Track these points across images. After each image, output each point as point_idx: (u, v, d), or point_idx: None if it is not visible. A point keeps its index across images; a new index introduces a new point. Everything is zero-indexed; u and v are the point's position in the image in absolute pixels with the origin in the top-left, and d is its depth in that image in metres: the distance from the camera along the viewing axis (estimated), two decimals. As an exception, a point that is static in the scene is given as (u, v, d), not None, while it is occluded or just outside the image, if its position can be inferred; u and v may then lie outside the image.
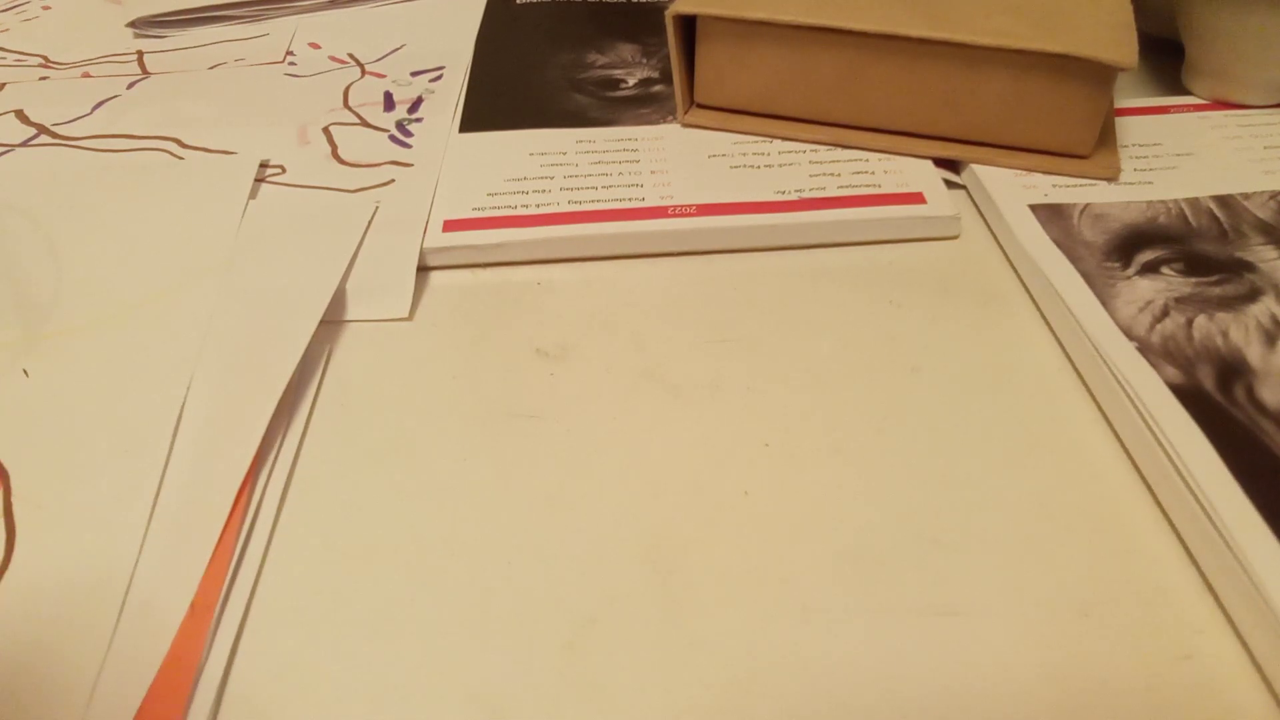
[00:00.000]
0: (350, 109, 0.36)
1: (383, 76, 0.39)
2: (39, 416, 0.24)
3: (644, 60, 0.39)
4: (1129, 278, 0.26)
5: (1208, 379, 0.23)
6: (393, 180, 0.32)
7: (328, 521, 0.22)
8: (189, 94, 0.38)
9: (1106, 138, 0.32)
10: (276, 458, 0.23)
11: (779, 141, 0.33)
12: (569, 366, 0.25)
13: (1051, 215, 0.29)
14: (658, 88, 0.37)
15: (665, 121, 0.34)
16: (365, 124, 0.35)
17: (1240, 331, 0.24)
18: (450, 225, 0.29)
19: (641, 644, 0.19)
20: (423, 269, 0.29)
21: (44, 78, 0.40)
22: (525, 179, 0.31)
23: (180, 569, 0.20)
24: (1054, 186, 0.30)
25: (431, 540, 0.21)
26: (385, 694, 0.18)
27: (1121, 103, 0.35)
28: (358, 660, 0.19)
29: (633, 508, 0.22)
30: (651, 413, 0.24)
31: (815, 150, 0.32)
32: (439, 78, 0.38)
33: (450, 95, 0.37)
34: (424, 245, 0.29)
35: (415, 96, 0.37)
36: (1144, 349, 0.24)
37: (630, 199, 0.30)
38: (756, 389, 0.25)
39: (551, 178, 0.31)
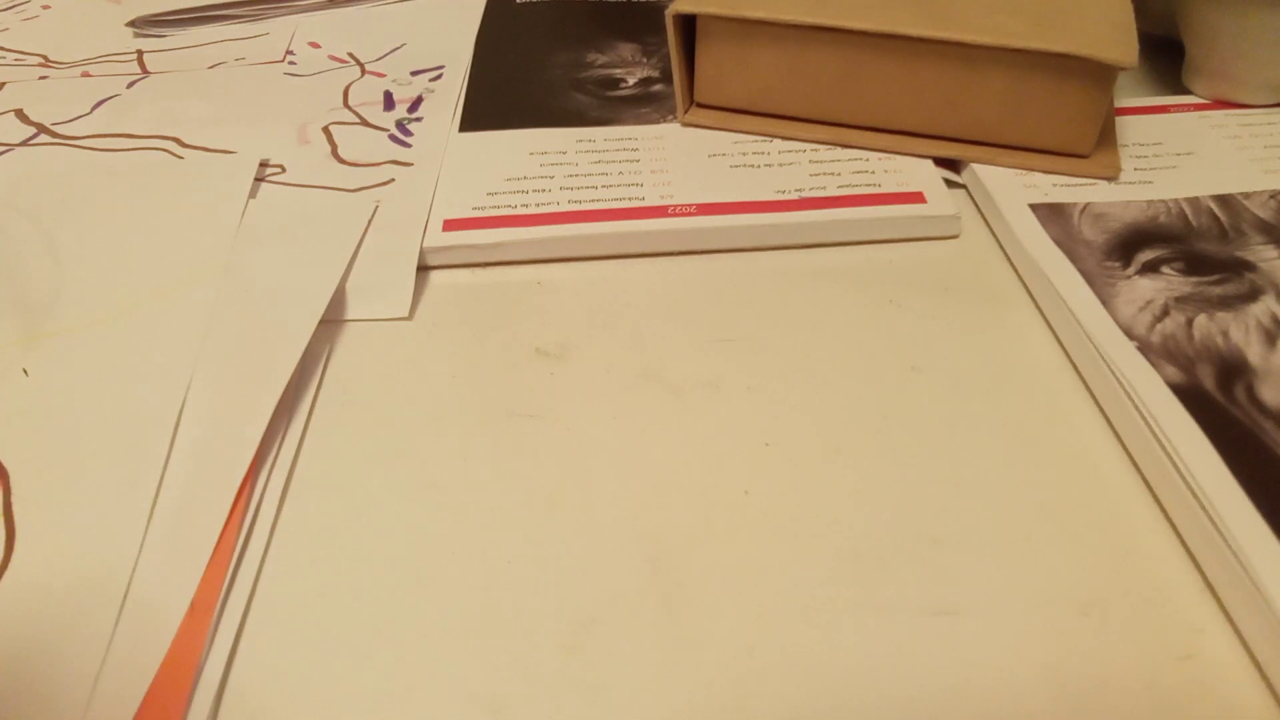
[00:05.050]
0: (350, 108, 0.36)
1: (383, 76, 0.39)
2: (39, 416, 0.24)
3: (644, 59, 0.39)
4: (1129, 277, 0.26)
5: (1208, 378, 0.23)
6: (393, 180, 0.32)
7: (328, 521, 0.22)
8: (189, 93, 0.38)
9: (1107, 137, 0.32)
10: (276, 457, 0.23)
11: (779, 141, 0.33)
12: (569, 366, 0.25)
13: (1052, 215, 0.29)
14: (658, 87, 0.37)
15: (665, 121, 0.34)
16: (365, 123, 0.35)
17: (1240, 331, 0.24)
18: (450, 225, 0.29)
19: (641, 644, 0.19)
20: (423, 268, 0.29)
21: (44, 77, 0.40)
22: (525, 178, 0.31)
23: (180, 569, 0.20)
24: (1054, 186, 0.30)
25: (431, 540, 0.21)
26: (385, 694, 0.18)
27: (1121, 102, 0.35)
28: (358, 660, 0.19)
29: (633, 507, 0.22)
30: (651, 413, 0.24)
31: (815, 150, 0.32)
32: (439, 77, 0.38)
33: (450, 94, 0.37)
34: (424, 245, 0.29)
35: (415, 96, 0.37)
36: (1144, 348, 0.24)
37: (630, 198, 0.30)
38: (756, 389, 0.25)
39: (551, 177, 0.31)
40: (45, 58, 0.41)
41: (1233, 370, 0.23)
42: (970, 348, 0.26)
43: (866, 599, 0.20)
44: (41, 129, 0.35)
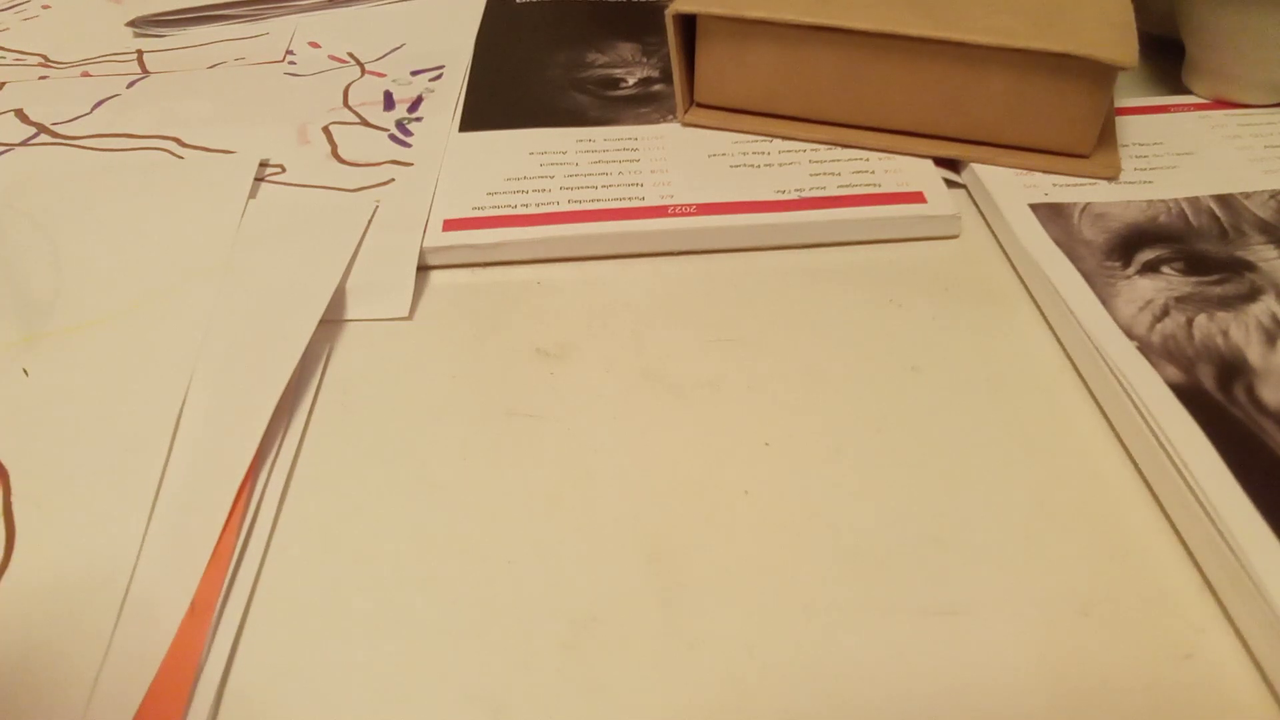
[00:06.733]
0: (350, 108, 0.36)
1: (383, 76, 0.39)
2: (39, 416, 0.24)
3: (644, 59, 0.39)
4: (1129, 277, 0.26)
5: (1208, 378, 0.23)
6: (392, 179, 0.32)
7: (328, 521, 0.22)
8: (189, 93, 0.38)
9: (1107, 137, 0.32)
10: (276, 457, 0.23)
11: (779, 141, 0.33)
12: (569, 366, 0.25)
13: (1052, 214, 0.29)
14: (658, 87, 0.37)
15: (665, 121, 0.34)
16: (365, 123, 0.35)
17: (1240, 331, 0.24)
18: (450, 224, 0.29)
19: (641, 643, 0.19)
20: (423, 268, 0.29)
21: (44, 77, 0.40)
22: (525, 178, 0.31)
23: (180, 569, 0.20)
24: (1054, 186, 0.30)
25: (431, 540, 0.21)
26: (385, 694, 0.18)
27: (1122, 102, 0.35)
28: (358, 660, 0.19)
29: (633, 507, 0.22)
30: (651, 412, 0.24)
31: (815, 149, 0.32)
32: (439, 77, 0.38)
33: (450, 94, 0.37)
34: (424, 244, 0.29)
35: (415, 96, 0.37)
36: (1144, 348, 0.24)
37: (630, 198, 0.30)
38: (756, 389, 0.25)
39: (551, 177, 0.31)
40: (45, 58, 0.41)
41: (1233, 370, 0.23)
42: (970, 348, 0.26)
43: (867, 599, 0.20)
44: (41, 129, 0.35)
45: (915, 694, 0.18)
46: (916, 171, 0.31)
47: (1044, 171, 0.31)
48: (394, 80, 0.38)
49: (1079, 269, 0.27)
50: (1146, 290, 0.26)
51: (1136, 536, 0.21)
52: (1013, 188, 0.30)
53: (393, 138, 0.34)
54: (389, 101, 0.37)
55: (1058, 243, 0.28)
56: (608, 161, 0.32)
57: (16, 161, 0.33)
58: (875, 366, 0.25)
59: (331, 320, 0.27)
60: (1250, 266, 0.27)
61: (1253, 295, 0.26)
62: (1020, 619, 0.19)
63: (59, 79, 0.39)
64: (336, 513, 0.22)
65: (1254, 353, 0.24)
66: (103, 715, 0.18)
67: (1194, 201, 0.29)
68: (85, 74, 0.40)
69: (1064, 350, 0.26)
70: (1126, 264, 0.27)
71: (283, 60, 0.40)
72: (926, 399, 0.24)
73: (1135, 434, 0.22)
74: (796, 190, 0.30)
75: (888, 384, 0.25)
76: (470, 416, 0.24)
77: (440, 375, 0.25)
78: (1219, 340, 0.24)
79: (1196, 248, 0.28)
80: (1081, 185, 0.30)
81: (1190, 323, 0.25)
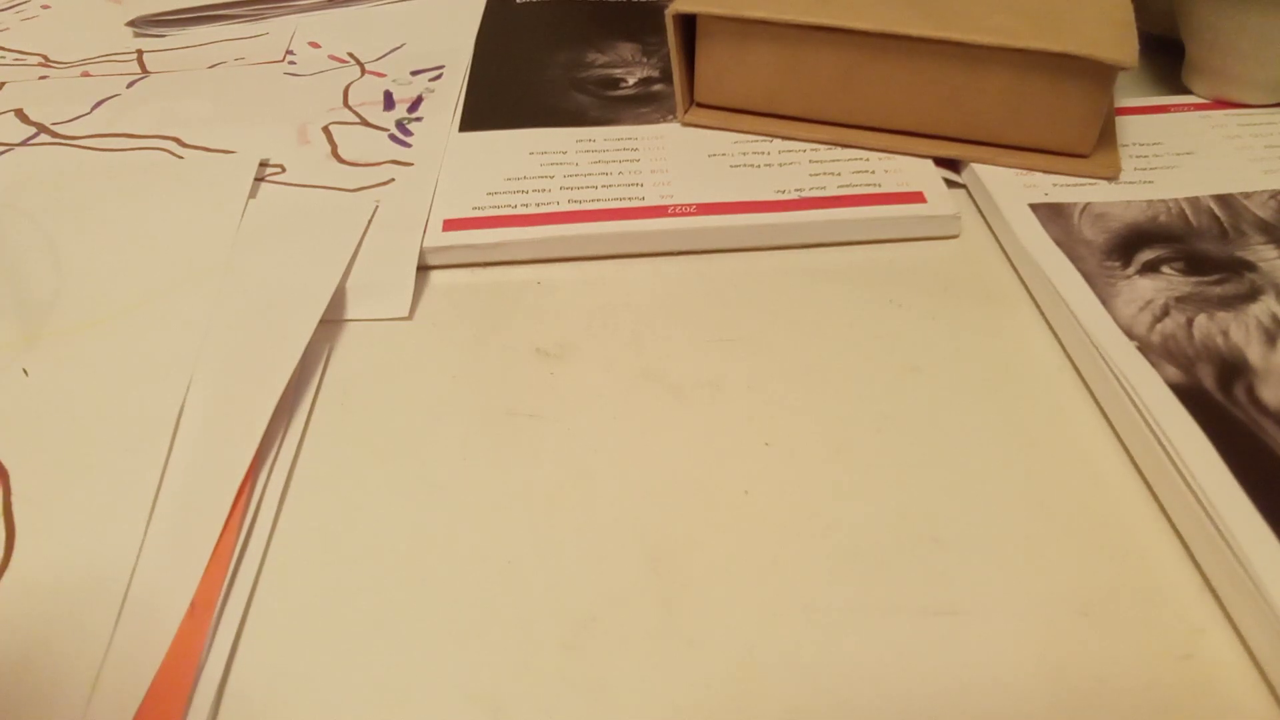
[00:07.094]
0: (350, 108, 0.36)
1: (383, 76, 0.39)
2: (39, 416, 0.24)
3: (644, 59, 0.39)
4: (1129, 277, 0.26)
5: (1208, 378, 0.23)
6: (392, 179, 0.32)
7: (328, 521, 0.22)
8: (189, 93, 0.38)
9: (1107, 137, 0.32)
10: (276, 457, 0.23)
11: (779, 141, 0.33)
12: (569, 366, 0.25)
13: (1052, 214, 0.29)
14: (658, 87, 0.37)
15: (665, 121, 0.34)
16: (365, 123, 0.35)
17: (1240, 331, 0.24)
18: (450, 224, 0.29)
19: (641, 644, 0.19)
20: (423, 268, 0.29)
21: (44, 77, 0.40)
22: (525, 178, 0.31)
23: (180, 569, 0.20)
24: (1054, 186, 0.30)
25: (431, 540, 0.21)
26: (385, 694, 0.18)
27: (1122, 102, 0.35)
28: (358, 660, 0.19)
29: (633, 507, 0.22)
30: (651, 412, 0.24)
31: (815, 149, 0.32)
32: (439, 77, 0.38)
33: (450, 94, 0.37)
34: (424, 244, 0.29)
35: (415, 96, 0.37)
36: (1144, 348, 0.24)
37: (630, 198, 0.30)
38: (756, 389, 0.25)
39: (551, 177, 0.31)
40: (45, 58, 0.41)
41: (1233, 370, 0.23)
42: (970, 348, 0.26)
43: (866, 599, 0.20)
44: (41, 129, 0.35)
45: (915, 694, 0.18)
46: (916, 171, 0.31)
47: (1044, 171, 0.31)
48: (394, 80, 0.38)
49: (1079, 269, 0.27)
50: (1146, 290, 0.26)
51: (1136, 536, 0.21)
52: (1013, 188, 0.30)
53: (393, 138, 0.34)
54: (389, 101, 0.37)
55: (1058, 243, 0.28)
56: (608, 161, 0.32)
57: (16, 161, 0.33)
58: (875, 366, 0.25)
59: (331, 320, 0.27)
60: (1250, 266, 0.27)
61: (1253, 295, 0.26)
62: (1020, 619, 0.19)
63: (59, 79, 0.39)
64: (336, 513, 0.22)
65: (1254, 353, 0.24)
66: (103, 715, 0.18)
67: (1194, 201, 0.29)
68: (85, 74, 0.40)
69: (1064, 350, 0.26)
70: (1126, 264, 0.27)
71: (283, 60, 0.40)
72: (926, 399, 0.24)
73: (1135, 434, 0.22)
74: (796, 190, 0.30)
75: (887, 384, 0.25)
76: (470, 416, 0.24)
77: (440, 375, 0.25)
78: (1219, 340, 0.24)
79: (1196, 248, 0.28)
80: (1081, 185, 0.30)
81: (1190, 323, 0.25)
